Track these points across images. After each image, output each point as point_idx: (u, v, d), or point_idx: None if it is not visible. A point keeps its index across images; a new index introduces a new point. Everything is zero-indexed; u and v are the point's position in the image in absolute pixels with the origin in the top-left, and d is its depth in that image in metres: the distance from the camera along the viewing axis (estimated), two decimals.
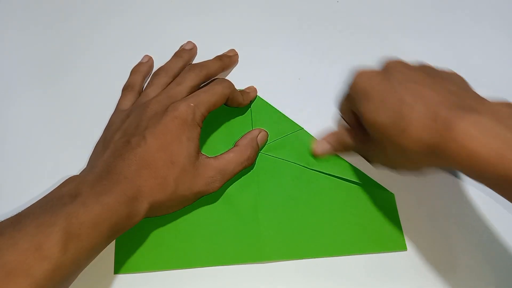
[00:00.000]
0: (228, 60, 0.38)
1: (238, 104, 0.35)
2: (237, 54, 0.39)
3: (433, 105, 0.24)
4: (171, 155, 0.28)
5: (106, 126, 0.34)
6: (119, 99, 0.35)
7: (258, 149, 0.33)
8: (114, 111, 0.35)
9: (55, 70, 0.39)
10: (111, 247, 0.30)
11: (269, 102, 0.37)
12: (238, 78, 0.37)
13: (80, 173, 0.29)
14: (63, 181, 0.27)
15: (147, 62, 0.38)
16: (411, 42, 0.41)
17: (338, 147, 0.34)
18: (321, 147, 0.34)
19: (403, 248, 0.31)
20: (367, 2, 0.44)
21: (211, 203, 0.32)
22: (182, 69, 0.35)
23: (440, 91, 0.25)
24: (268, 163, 0.34)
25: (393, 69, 0.29)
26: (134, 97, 0.35)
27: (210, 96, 0.31)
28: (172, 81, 0.34)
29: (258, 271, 0.30)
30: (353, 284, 0.30)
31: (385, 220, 0.32)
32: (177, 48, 0.39)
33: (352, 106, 0.31)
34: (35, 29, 0.42)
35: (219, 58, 0.37)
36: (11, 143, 0.36)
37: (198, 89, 0.33)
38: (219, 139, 0.35)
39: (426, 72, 0.28)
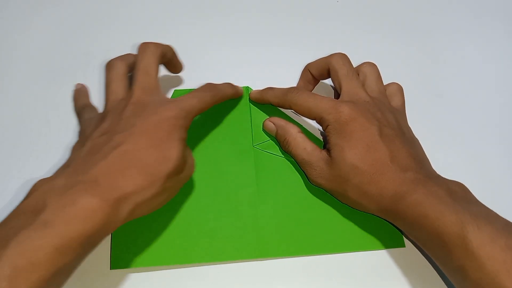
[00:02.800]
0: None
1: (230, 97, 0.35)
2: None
3: (402, 175, 0.28)
4: (164, 150, 0.26)
5: (79, 132, 0.31)
6: (81, 120, 0.33)
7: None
8: (80, 128, 0.32)
9: (54, 72, 0.39)
10: (107, 243, 0.30)
11: None
12: (239, 78, 0.37)
13: (53, 174, 0.26)
14: (33, 186, 0.24)
15: (82, 87, 0.37)
16: (412, 41, 0.42)
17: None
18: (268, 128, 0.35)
19: (401, 245, 0.31)
20: (367, 1, 0.44)
21: (209, 200, 0.32)
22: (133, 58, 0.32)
23: (408, 158, 0.29)
24: (267, 160, 0.34)
25: (374, 105, 0.31)
26: (96, 110, 0.33)
27: (197, 102, 0.30)
28: (134, 69, 0.30)
29: (257, 268, 0.30)
30: (352, 281, 0.30)
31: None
32: (177, 48, 0.39)
33: (333, 82, 0.34)
34: (34, 30, 0.41)
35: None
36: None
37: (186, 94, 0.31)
38: (217, 137, 0.35)
39: (400, 125, 0.31)
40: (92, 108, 0.34)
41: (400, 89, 0.35)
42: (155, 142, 0.26)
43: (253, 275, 0.30)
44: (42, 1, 0.43)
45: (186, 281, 0.30)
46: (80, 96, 0.36)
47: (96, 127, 0.28)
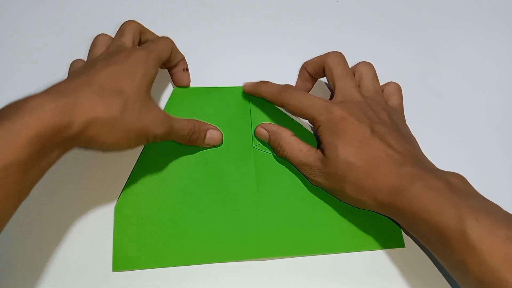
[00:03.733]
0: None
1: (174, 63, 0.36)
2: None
3: (398, 169, 0.29)
4: (121, 83, 0.27)
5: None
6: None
7: (203, 136, 0.33)
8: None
9: (54, 72, 0.39)
10: (109, 245, 0.30)
11: None
12: (239, 78, 0.37)
13: None
14: None
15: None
16: (411, 41, 0.42)
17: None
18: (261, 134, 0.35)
19: (401, 245, 0.32)
20: (367, 1, 0.44)
21: (210, 200, 0.32)
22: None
23: (403, 153, 0.29)
24: (266, 161, 0.34)
25: (367, 105, 0.32)
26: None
27: (158, 45, 0.32)
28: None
29: (257, 268, 0.30)
30: (351, 281, 0.30)
31: (383, 218, 0.32)
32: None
33: (328, 78, 0.34)
34: (34, 31, 0.41)
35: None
36: None
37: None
38: None
39: (395, 122, 0.32)
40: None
41: (398, 89, 0.35)
42: (114, 73, 0.28)
43: (253, 275, 0.30)
44: (42, 2, 0.42)
45: (187, 281, 0.30)
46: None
47: (74, 69, 0.31)
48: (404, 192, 0.27)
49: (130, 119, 0.27)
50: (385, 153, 0.29)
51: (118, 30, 0.33)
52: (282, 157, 0.34)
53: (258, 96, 0.36)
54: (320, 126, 0.31)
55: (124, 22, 0.34)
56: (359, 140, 0.29)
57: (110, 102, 0.26)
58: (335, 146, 0.30)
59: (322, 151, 0.31)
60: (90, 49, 0.33)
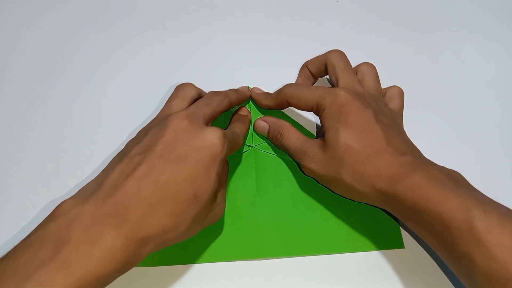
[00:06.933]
0: (242, 95, 0.35)
1: None
2: (249, 90, 0.37)
3: (399, 157, 0.28)
4: (196, 188, 0.25)
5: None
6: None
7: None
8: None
9: (54, 71, 0.39)
10: None
11: None
12: (240, 78, 0.37)
13: (82, 190, 0.25)
14: (57, 206, 0.24)
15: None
16: (412, 41, 0.42)
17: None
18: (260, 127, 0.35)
19: (401, 246, 0.31)
20: (367, 1, 0.44)
21: None
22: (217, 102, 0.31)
23: (404, 144, 0.29)
24: (266, 160, 0.34)
25: (370, 97, 0.31)
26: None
27: (244, 127, 0.33)
28: (198, 99, 0.31)
29: (256, 268, 0.30)
30: (351, 282, 0.30)
31: (383, 218, 0.32)
32: (173, 53, 0.40)
33: (331, 78, 0.34)
34: (33, 31, 0.41)
35: (235, 90, 0.34)
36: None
37: (230, 123, 0.34)
38: None
39: (395, 121, 0.31)
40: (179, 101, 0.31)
41: (400, 93, 0.34)
42: (191, 176, 0.25)
43: (252, 275, 0.30)
44: (42, 2, 0.43)
45: (186, 280, 0.30)
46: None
47: (138, 141, 0.27)
48: (405, 180, 0.26)
49: (196, 227, 0.27)
50: (386, 141, 0.28)
51: (207, 95, 0.31)
52: (279, 146, 0.33)
53: (264, 108, 0.36)
54: (324, 110, 0.30)
55: (215, 92, 0.32)
56: (361, 124, 0.29)
57: (181, 219, 0.25)
58: (337, 129, 0.29)
59: (323, 136, 0.31)
60: (172, 96, 0.31)
